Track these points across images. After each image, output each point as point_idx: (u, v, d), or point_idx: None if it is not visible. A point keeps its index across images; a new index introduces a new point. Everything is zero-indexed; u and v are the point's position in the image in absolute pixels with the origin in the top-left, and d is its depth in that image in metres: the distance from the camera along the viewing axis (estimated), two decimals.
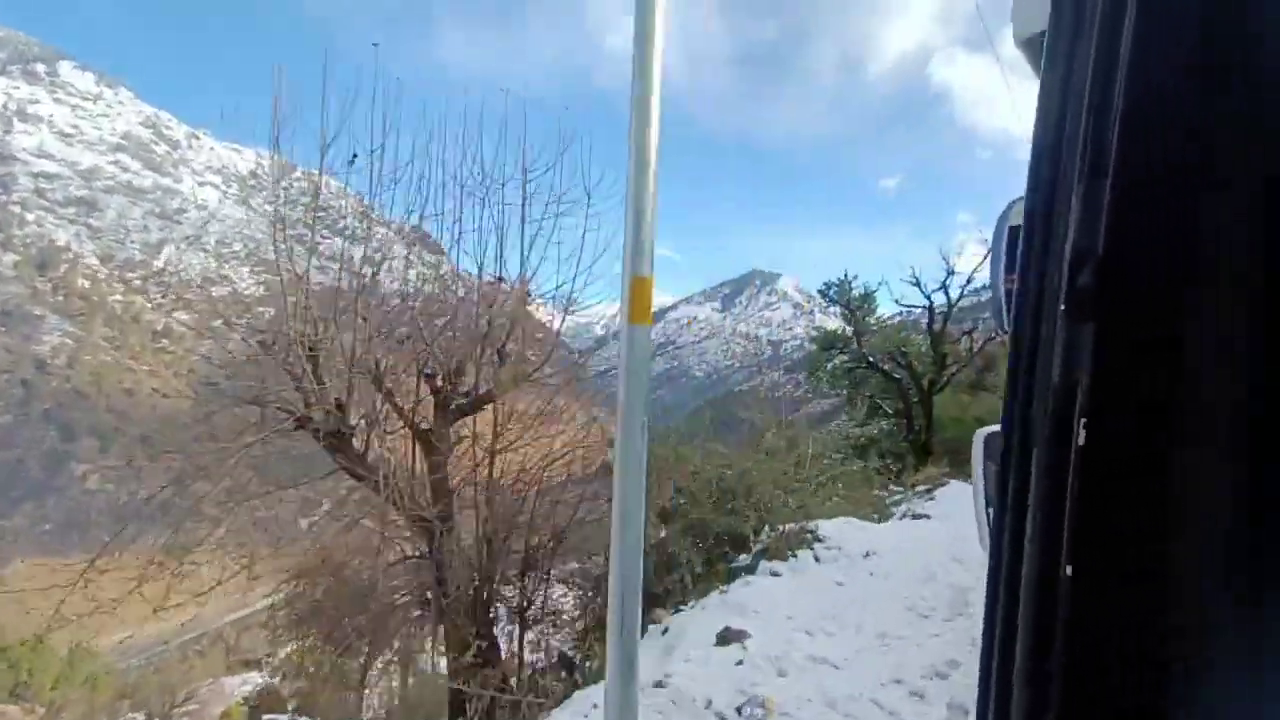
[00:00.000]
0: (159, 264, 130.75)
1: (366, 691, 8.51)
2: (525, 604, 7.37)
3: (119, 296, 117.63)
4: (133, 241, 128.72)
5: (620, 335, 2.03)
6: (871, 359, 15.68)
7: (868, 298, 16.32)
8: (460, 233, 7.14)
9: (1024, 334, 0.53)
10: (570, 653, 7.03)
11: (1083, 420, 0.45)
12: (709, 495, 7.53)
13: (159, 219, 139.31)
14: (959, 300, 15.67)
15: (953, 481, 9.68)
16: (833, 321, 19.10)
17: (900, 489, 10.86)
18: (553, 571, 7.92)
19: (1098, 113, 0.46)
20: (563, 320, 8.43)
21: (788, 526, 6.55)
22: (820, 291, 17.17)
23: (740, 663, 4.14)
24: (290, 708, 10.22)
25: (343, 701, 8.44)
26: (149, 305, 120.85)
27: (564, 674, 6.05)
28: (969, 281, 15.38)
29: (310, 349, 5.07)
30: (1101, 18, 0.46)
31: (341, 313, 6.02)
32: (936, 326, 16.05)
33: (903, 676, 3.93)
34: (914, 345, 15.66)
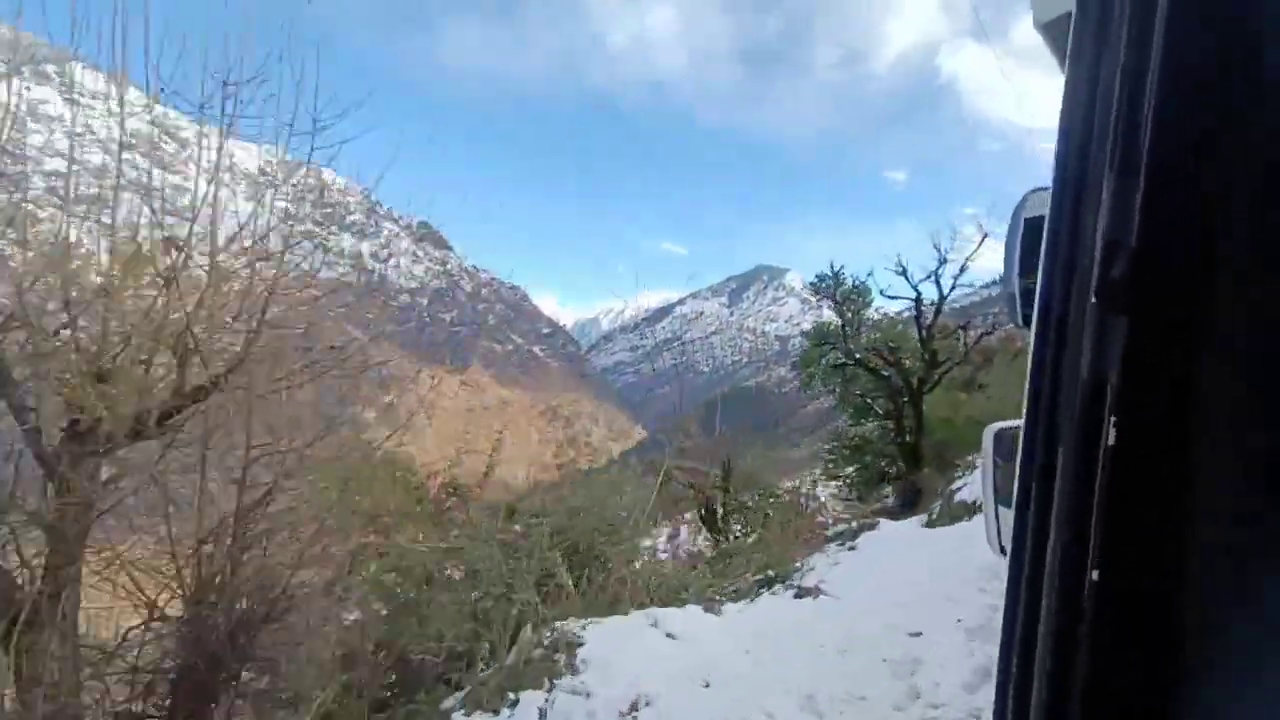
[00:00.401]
0: (169, 260, 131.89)
1: None
2: None
3: (131, 292, 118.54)
4: (143, 239, 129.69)
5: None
6: (858, 355, 14.99)
7: (860, 291, 15.52)
8: None
9: (1049, 328, 0.52)
10: None
11: (1113, 419, 0.44)
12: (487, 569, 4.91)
13: (169, 216, 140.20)
14: (951, 292, 14.78)
15: (883, 524, 7.70)
16: (831, 315, 18.23)
17: (847, 521, 9.52)
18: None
19: (1129, 106, 0.45)
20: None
21: (536, 637, 4.14)
22: (812, 285, 16.54)
23: None
24: None
25: None
26: (160, 301, 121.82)
27: None
28: (962, 271, 14.53)
29: None
30: (1133, 5, 0.45)
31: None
32: (926, 320, 15.29)
33: None
34: (905, 341, 14.90)
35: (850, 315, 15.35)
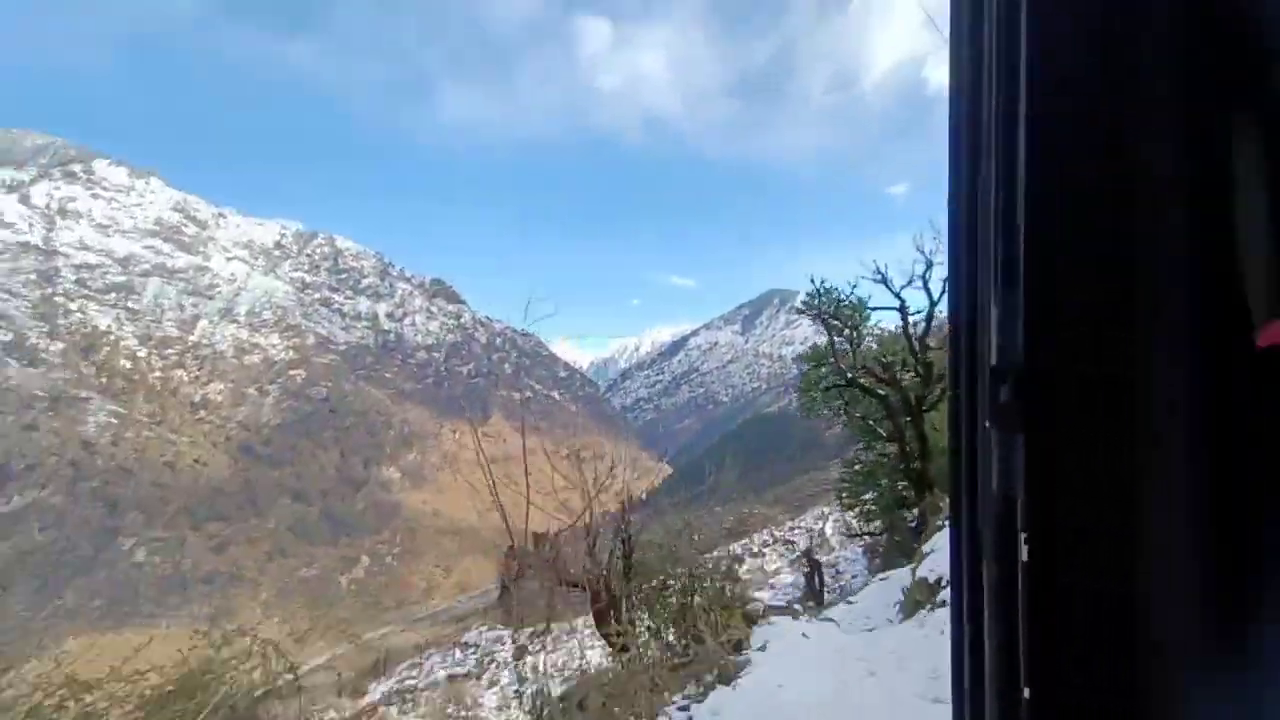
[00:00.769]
0: (194, 338, 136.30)
1: None
2: None
3: (158, 373, 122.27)
4: (169, 319, 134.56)
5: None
6: (849, 375, 13.96)
7: (856, 306, 14.49)
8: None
9: (961, 446, 0.53)
10: None
11: (1024, 535, 0.45)
12: None
13: (192, 296, 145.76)
14: (941, 297, 13.34)
15: (875, 584, 6.22)
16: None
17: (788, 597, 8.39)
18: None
19: (1005, 224, 0.47)
20: None
21: None
22: (801, 308, 15.49)
23: None
24: None
25: None
26: (186, 379, 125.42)
27: None
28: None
29: None
30: (999, 144, 0.48)
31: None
32: (918, 330, 14.18)
33: None
34: (898, 355, 13.81)
35: (849, 332, 14.47)
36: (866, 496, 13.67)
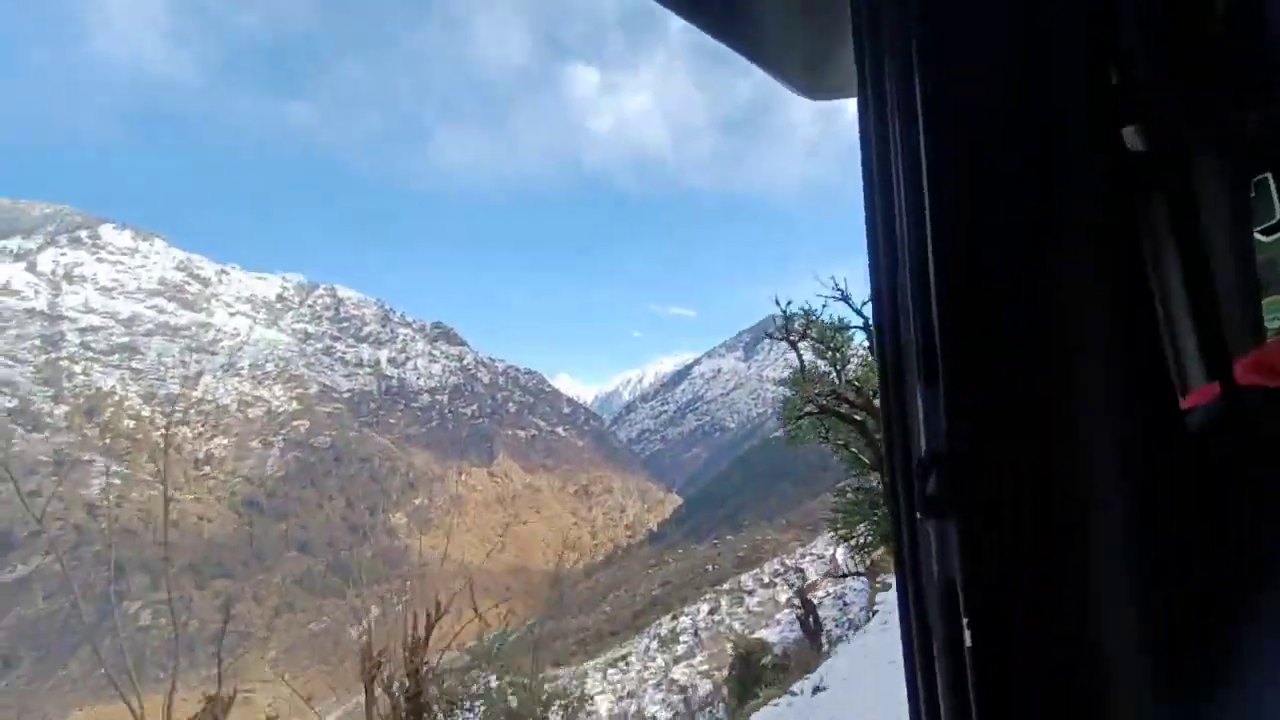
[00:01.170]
0: (197, 394, 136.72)
1: None
2: None
3: (161, 430, 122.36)
4: (173, 377, 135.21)
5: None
6: (824, 400, 13.32)
7: (839, 327, 13.75)
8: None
9: (902, 530, 0.55)
10: None
11: (966, 620, 0.46)
12: None
13: (195, 352, 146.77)
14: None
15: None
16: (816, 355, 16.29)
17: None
18: None
19: (923, 325, 0.49)
20: None
21: None
22: (773, 332, 14.79)
23: None
24: None
25: None
26: (190, 435, 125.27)
27: None
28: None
29: None
30: (909, 245, 0.51)
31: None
32: (824, 358, 13.11)
33: None
34: (867, 378, 13.14)
35: (831, 354, 13.78)
36: (860, 528, 12.80)
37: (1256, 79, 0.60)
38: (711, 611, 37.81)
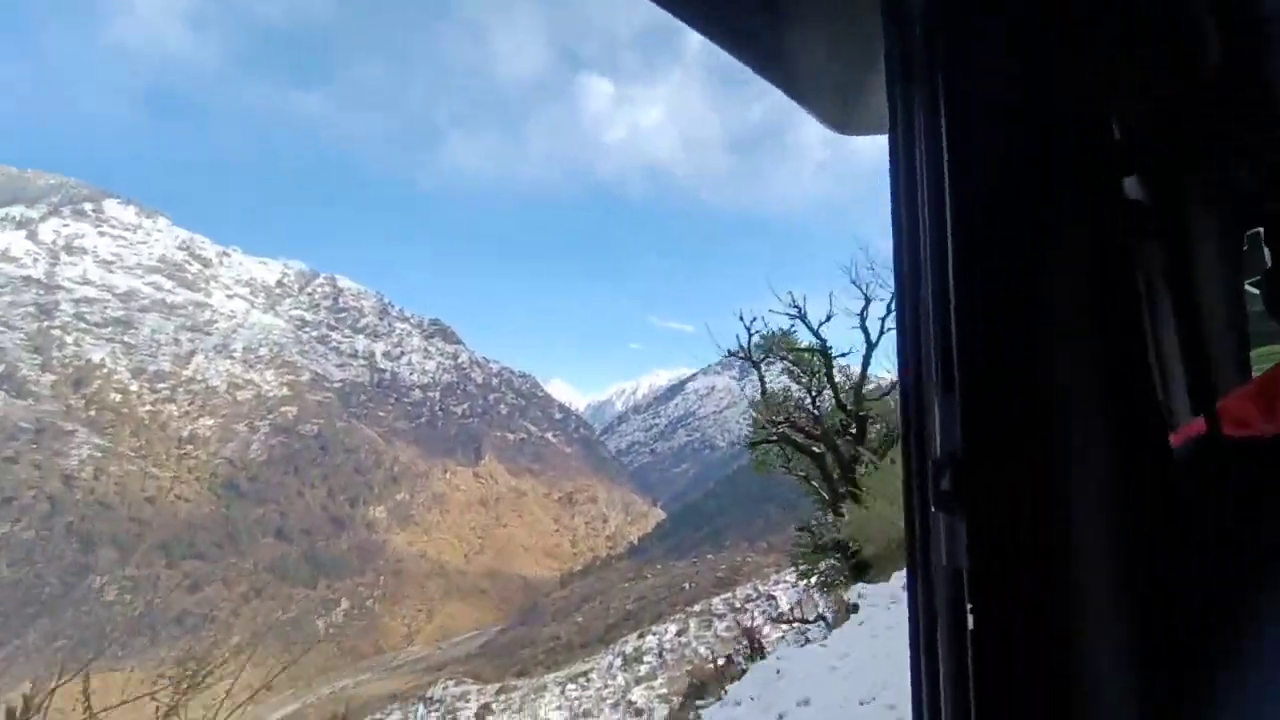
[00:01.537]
0: (187, 373, 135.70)
1: None
2: None
3: (148, 407, 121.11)
4: (164, 354, 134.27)
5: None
6: (779, 429, 12.25)
7: (817, 350, 12.87)
8: None
9: (914, 522, 0.60)
10: None
11: (969, 605, 0.50)
12: None
13: (190, 331, 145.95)
14: (881, 338, 11.77)
15: None
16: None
17: None
18: None
19: (941, 338, 0.54)
20: None
21: None
22: (731, 353, 13.57)
23: None
24: None
25: None
26: (176, 413, 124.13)
27: None
28: (889, 311, 11.50)
29: None
30: (932, 267, 0.56)
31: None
32: (846, 375, 12.32)
33: None
34: (830, 409, 12.21)
35: (809, 379, 12.88)
36: (822, 566, 11.41)
37: (1251, 133, 0.63)
38: (679, 633, 37.42)
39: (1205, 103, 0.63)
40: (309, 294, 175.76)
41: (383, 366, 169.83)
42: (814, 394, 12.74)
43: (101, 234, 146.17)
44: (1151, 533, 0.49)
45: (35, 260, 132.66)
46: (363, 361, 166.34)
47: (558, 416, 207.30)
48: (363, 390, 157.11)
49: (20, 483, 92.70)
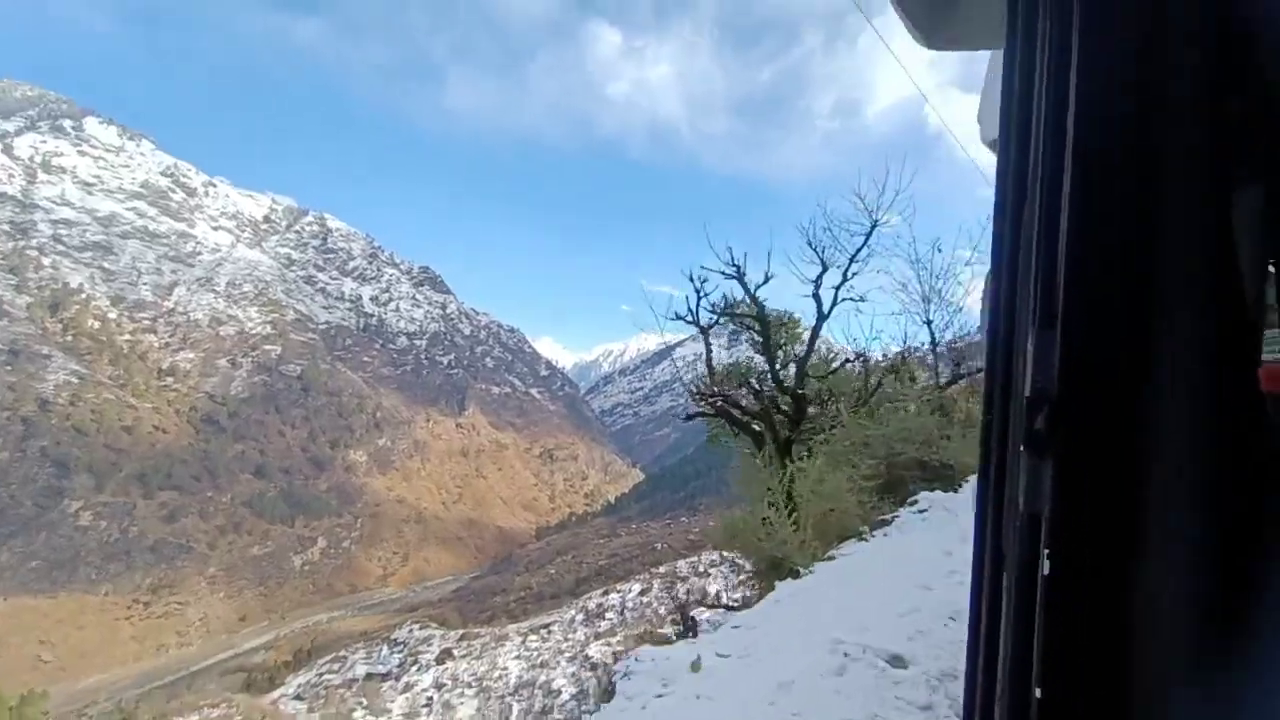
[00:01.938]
0: (169, 305, 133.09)
1: None
2: None
3: (127, 336, 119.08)
4: (145, 283, 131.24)
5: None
6: (715, 401, 11.33)
7: (785, 320, 11.89)
8: None
9: (990, 465, 0.58)
10: None
11: (1046, 551, 0.49)
12: None
13: (172, 262, 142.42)
14: (834, 307, 10.80)
15: None
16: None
17: None
18: None
19: (1045, 269, 0.52)
20: None
21: None
22: (679, 317, 12.12)
23: None
24: None
25: None
26: (156, 344, 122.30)
27: None
28: (845, 279, 10.47)
29: None
30: (1043, 183, 0.52)
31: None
32: (791, 349, 11.40)
33: None
34: (778, 382, 11.14)
35: (775, 350, 11.79)
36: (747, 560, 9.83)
37: None
38: (643, 592, 38.52)
39: None
40: (297, 232, 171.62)
41: (370, 311, 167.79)
42: (775, 366, 11.57)
43: (81, 154, 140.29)
44: (1237, 483, 0.46)
45: (11, 176, 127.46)
46: (349, 305, 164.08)
47: (544, 373, 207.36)
48: (348, 334, 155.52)
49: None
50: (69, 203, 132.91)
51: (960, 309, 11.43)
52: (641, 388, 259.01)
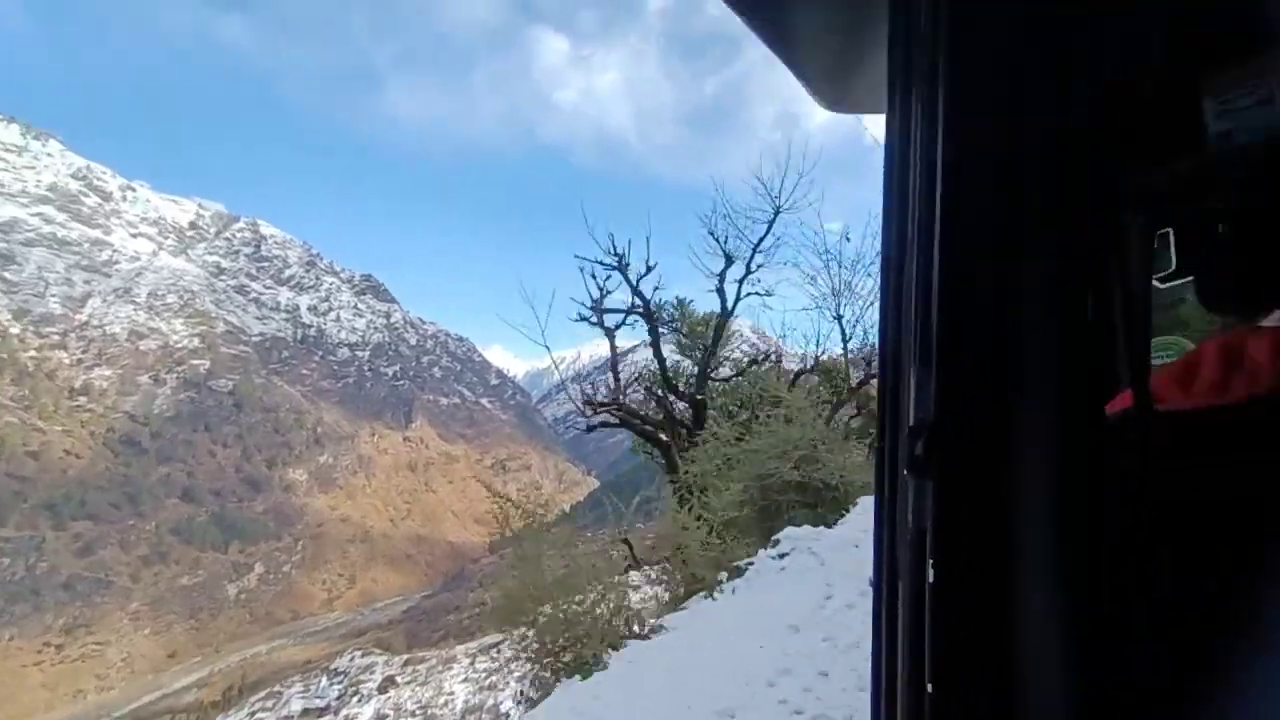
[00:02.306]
0: (81, 318, 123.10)
1: None
2: None
3: (33, 353, 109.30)
4: (53, 295, 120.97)
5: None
6: (606, 409, 10.26)
7: (712, 322, 10.88)
8: None
9: (884, 487, 0.64)
10: None
11: (931, 562, 0.56)
12: None
13: (85, 272, 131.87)
14: (738, 302, 10.04)
15: None
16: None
17: None
18: None
19: (923, 315, 0.59)
20: None
21: None
22: (583, 318, 10.80)
23: None
24: None
25: None
26: (67, 361, 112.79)
27: None
28: (749, 271, 9.78)
29: None
30: (919, 240, 0.60)
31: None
32: (690, 356, 10.49)
33: None
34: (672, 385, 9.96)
35: (701, 353, 10.89)
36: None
37: (1172, 140, 0.67)
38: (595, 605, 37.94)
39: (1145, 109, 0.67)
40: (227, 239, 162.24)
41: (308, 321, 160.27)
42: (706, 369, 10.64)
43: None
44: (1088, 494, 0.54)
45: None
46: (286, 315, 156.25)
47: (494, 382, 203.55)
48: (285, 346, 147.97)
49: None
50: None
51: (873, 303, 10.99)
52: (595, 394, 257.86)
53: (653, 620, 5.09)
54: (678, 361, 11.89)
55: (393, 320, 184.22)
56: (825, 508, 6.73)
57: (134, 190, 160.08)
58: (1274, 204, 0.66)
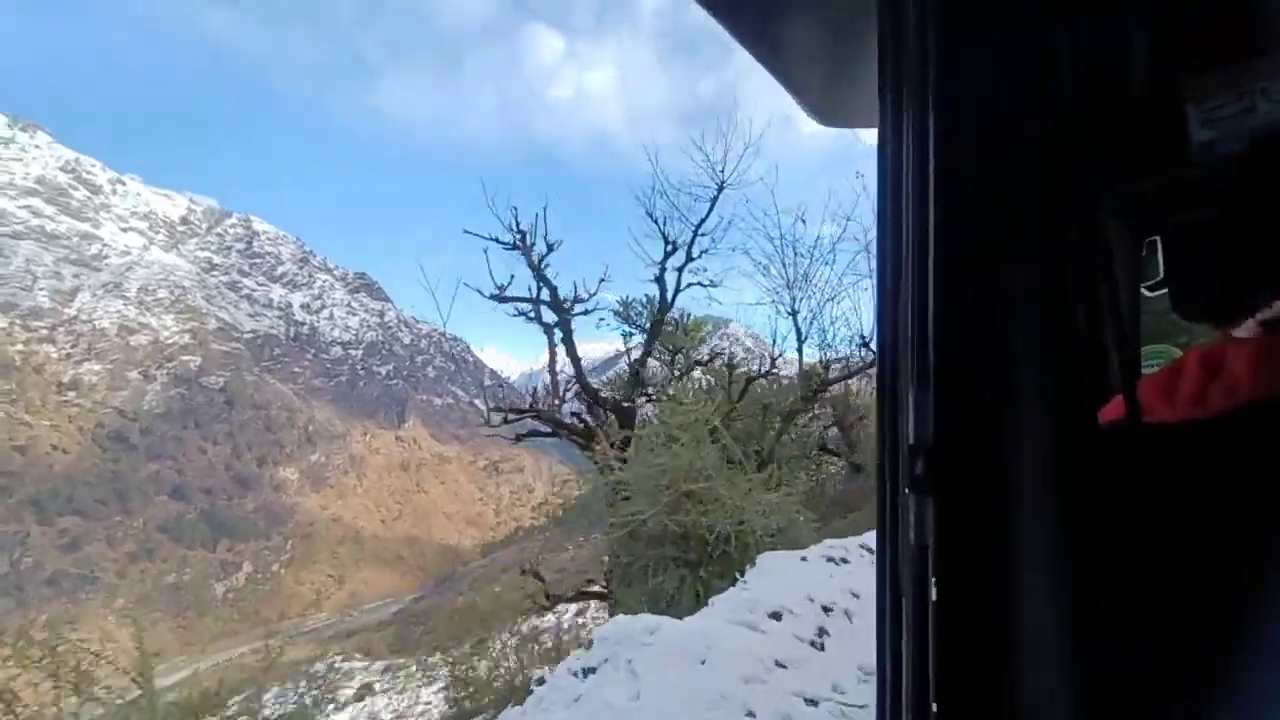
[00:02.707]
0: (70, 312, 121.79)
1: None
2: None
3: (20, 347, 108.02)
4: (41, 289, 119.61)
5: None
6: (530, 416, 8.79)
7: (686, 324, 10.06)
8: None
9: (885, 504, 0.64)
10: None
11: (933, 579, 0.57)
12: None
13: (74, 266, 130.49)
14: (679, 292, 8.94)
15: None
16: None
17: None
18: None
19: (919, 337, 0.60)
20: None
21: None
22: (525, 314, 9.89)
23: None
24: None
25: None
26: (55, 355, 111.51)
27: None
28: (691, 257, 8.80)
29: None
30: (914, 262, 0.60)
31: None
32: (661, 359, 9.32)
33: None
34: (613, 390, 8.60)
35: (674, 355, 10.08)
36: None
37: (1160, 151, 0.67)
38: (579, 613, 37.64)
39: (1130, 118, 0.67)
40: (219, 234, 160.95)
41: (300, 319, 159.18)
42: (678, 374, 9.75)
43: None
44: (1085, 501, 0.55)
45: None
46: (278, 312, 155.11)
47: (489, 383, 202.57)
48: (277, 343, 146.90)
49: None
50: None
51: (832, 297, 9.75)
52: (565, 397, 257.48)
53: None
54: (652, 366, 10.80)
55: (386, 319, 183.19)
56: (710, 568, 4.87)
57: (124, 184, 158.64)
58: (1252, 213, 0.66)
